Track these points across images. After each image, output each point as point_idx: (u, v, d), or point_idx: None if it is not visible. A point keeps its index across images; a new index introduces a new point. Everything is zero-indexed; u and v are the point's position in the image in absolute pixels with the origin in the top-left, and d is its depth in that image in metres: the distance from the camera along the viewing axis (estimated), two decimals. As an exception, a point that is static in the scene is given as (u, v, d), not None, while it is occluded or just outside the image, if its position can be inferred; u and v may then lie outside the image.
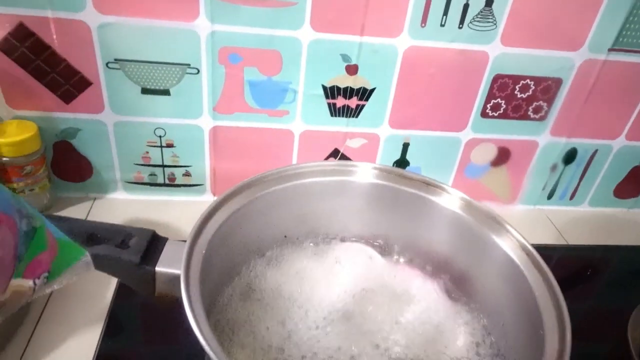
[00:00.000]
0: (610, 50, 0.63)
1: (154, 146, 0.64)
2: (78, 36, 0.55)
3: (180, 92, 0.60)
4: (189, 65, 0.58)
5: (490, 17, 0.59)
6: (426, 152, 0.69)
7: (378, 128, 0.66)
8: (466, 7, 0.58)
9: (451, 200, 0.49)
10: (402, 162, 0.70)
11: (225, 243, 0.44)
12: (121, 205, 0.67)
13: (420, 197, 0.50)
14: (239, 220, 0.45)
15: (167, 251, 0.41)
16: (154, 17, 0.55)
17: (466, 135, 0.68)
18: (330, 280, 0.50)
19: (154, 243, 0.41)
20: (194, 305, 0.35)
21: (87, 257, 0.39)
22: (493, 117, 0.67)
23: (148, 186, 0.68)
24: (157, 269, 0.40)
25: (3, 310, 0.37)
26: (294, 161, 0.68)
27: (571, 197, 0.78)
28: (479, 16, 0.59)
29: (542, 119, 0.68)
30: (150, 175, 0.67)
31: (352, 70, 0.61)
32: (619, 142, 0.72)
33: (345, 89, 0.62)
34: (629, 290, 0.65)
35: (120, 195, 0.68)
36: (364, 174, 0.51)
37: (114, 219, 0.44)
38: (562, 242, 0.72)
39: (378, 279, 0.51)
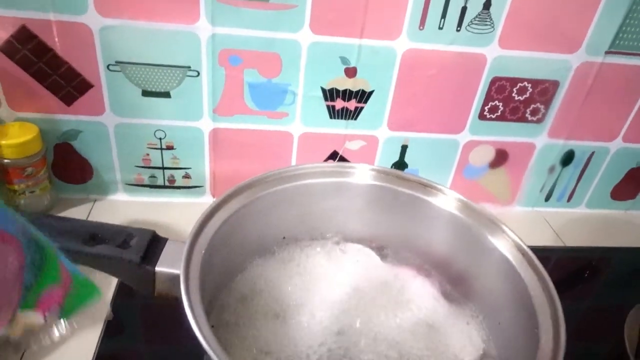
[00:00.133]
0: (607, 52, 0.63)
1: (155, 148, 0.64)
2: (80, 39, 0.55)
3: (181, 94, 0.60)
4: (190, 67, 0.59)
5: (488, 19, 0.59)
6: (425, 154, 0.70)
7: (377, 130, 0.67)
8: (464, 10, 0.58)
9: (448, 201, 0.50)
10: (400, 164, 0.70)
11: (225, 243, 0.44)
12: (121, 207, 0.67)
13: (417, 198, 0.51)
14: (239, 221, 0.46)
15: (167, 251, 0.41)
16: (155, 19, 0.55)
17: (464, 137, 0.69)
18: (330, 280, 0.50)
19: (154, 243, 0.41)
20: (193, 305, 0.35)
21: (102, 297, 0.38)
22: (491, 119, 0.67)
23: (148, 188, 0.68)
24: (157, 268, 0.40)
25: (18, 346, 0.36)
26: (293, 163, 0.68)
27: (569, 199, 0.78)
28: (477, 19, 0.59)
29: (539, 121, 0.68)
30: (151, 177, 0.67)
31: (351, 72, 0.62)
32: (616, 144, 0.72)
33: (344, 91, 0.63)
34: (626, 291, 0.65)
35: (120, 197, 0.68)
36: (362, 175, 0.52)
37: (114, 220, 0.44)
38: (559, 243, 0.72)
39: (376, 280, 0.51)
